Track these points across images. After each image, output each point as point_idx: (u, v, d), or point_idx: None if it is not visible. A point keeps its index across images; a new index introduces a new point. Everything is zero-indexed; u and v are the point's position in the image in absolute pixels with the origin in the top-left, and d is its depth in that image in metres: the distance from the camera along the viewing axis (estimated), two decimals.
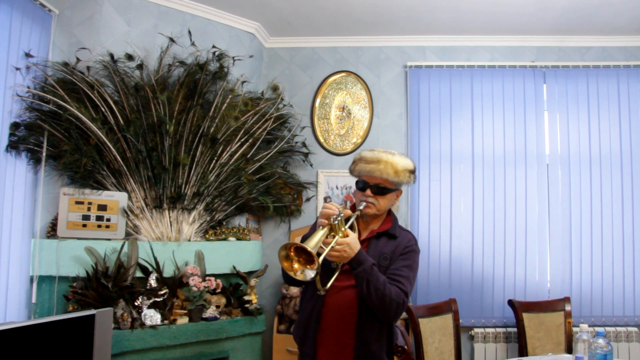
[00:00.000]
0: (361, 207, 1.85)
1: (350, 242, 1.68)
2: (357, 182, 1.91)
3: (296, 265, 1.59)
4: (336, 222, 1.67)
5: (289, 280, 1.82)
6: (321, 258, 1.56)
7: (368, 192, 1.85)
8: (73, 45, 2.93)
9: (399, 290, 1.73)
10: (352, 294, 1.80)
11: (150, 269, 2.87)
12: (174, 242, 3.02)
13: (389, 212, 1.97)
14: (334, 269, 1.77)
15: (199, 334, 2.86)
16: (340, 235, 1.67)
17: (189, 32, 3.25)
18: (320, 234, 1.62)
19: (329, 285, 1.71)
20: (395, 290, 1.73)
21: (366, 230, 1.93)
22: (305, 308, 1.88)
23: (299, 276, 1.59)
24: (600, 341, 1.97)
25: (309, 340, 1.83)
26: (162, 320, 2.78)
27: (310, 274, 1.58)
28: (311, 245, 1.55)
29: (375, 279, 1.69)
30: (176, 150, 3.03)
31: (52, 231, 2.78)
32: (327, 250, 1.61)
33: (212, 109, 3.16)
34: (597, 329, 2.15)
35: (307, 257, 1.58)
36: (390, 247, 1.85)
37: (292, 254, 1.59)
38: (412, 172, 1.91)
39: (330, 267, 1.77)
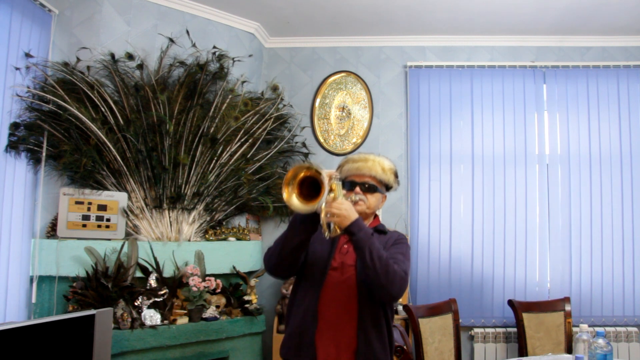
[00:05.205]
0: (353, 199, 1.80)
1: (350, 206, 1.64)
2: (344, 183, 1.85)
3: (296, 201, 1.54)
4: (336, 182, 1.61)
5: (283, 269, 1.78)
6: (323, 202, 1.52)
7: (357, 189, 1.84)
8: (73, 45, 2.93)
9: (399, 267, 1.67)
10: (349, 285, 1.74)
11: (150, 269, 2.87)
12: (174, 242, 3.02)
13: (375, 215, 1.96)
14: (332, 238, 1.68)
15: (199, 334, 2.86)
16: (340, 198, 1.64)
17: (187, 31, 3.24)
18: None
19: (332, 233, 1.64)
20: (397, 265, 1.67)
21: None
22: (297, 313, 1.80)
23: (306, 207, 1.53)
24: (600, 341, 1.97)
25: (306, 346, 1.74)
26: (162, 320, 2.78)
27: (321, 202, 1.52)
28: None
29: (377, 248, 1.61)
30: (176, 150, 3.03)
31: (52, 231, 2.78)
32: (324, 196, 1.53)
33: (212, 109, 3.16)
34: (597, 329, 2.15)
35: (309, 192, 1.54)
36: (382, 240, 1.83)
37: (293, 187, 1.55)
38: (396, 175, 1.92)
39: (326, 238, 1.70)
